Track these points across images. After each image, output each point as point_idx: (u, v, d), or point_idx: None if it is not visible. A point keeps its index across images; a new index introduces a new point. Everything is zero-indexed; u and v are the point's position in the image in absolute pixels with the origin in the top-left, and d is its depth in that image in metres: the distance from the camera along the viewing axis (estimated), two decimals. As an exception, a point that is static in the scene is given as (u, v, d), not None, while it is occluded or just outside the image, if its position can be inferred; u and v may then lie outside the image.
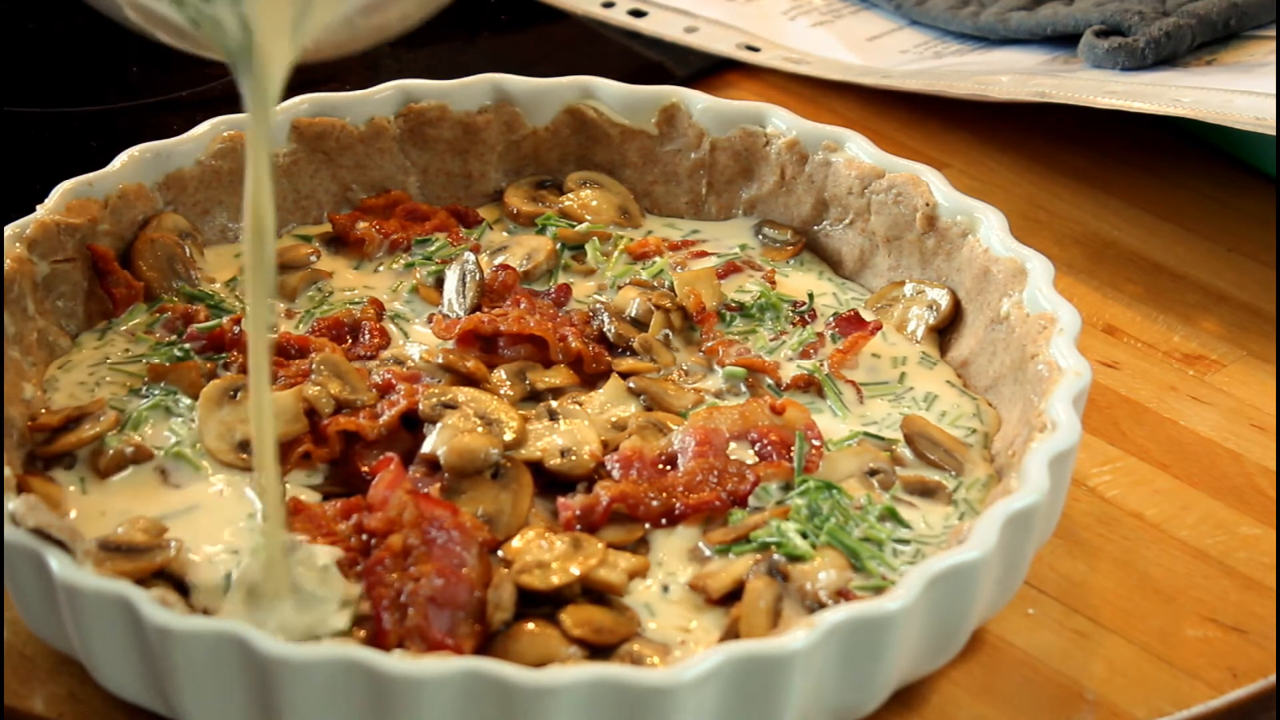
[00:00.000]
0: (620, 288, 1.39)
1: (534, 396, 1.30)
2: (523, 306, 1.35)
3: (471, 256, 1.38)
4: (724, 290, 1.39)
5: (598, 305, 1.37)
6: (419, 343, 1.34)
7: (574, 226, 1.44)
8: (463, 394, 1.26)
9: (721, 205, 1.49)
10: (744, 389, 1.31)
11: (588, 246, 1.43)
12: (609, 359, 1.33)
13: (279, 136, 1.44)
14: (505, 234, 1.46)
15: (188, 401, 1.27)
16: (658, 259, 1.42)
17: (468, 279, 1.37)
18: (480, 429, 1.23)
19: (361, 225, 1.43)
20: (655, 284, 1.39)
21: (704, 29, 1.83)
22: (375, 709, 1.04)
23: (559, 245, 1.43)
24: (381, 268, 1.42)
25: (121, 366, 1.30)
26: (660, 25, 1.84)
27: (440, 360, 1.30)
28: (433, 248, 1.42)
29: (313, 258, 1.42)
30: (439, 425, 1.24)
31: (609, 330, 1.34)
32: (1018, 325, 1.29)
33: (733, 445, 1.24)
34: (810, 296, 1.39)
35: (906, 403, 1.31)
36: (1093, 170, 1.68)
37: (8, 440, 1.20)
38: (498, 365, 1.31)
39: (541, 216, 1.45)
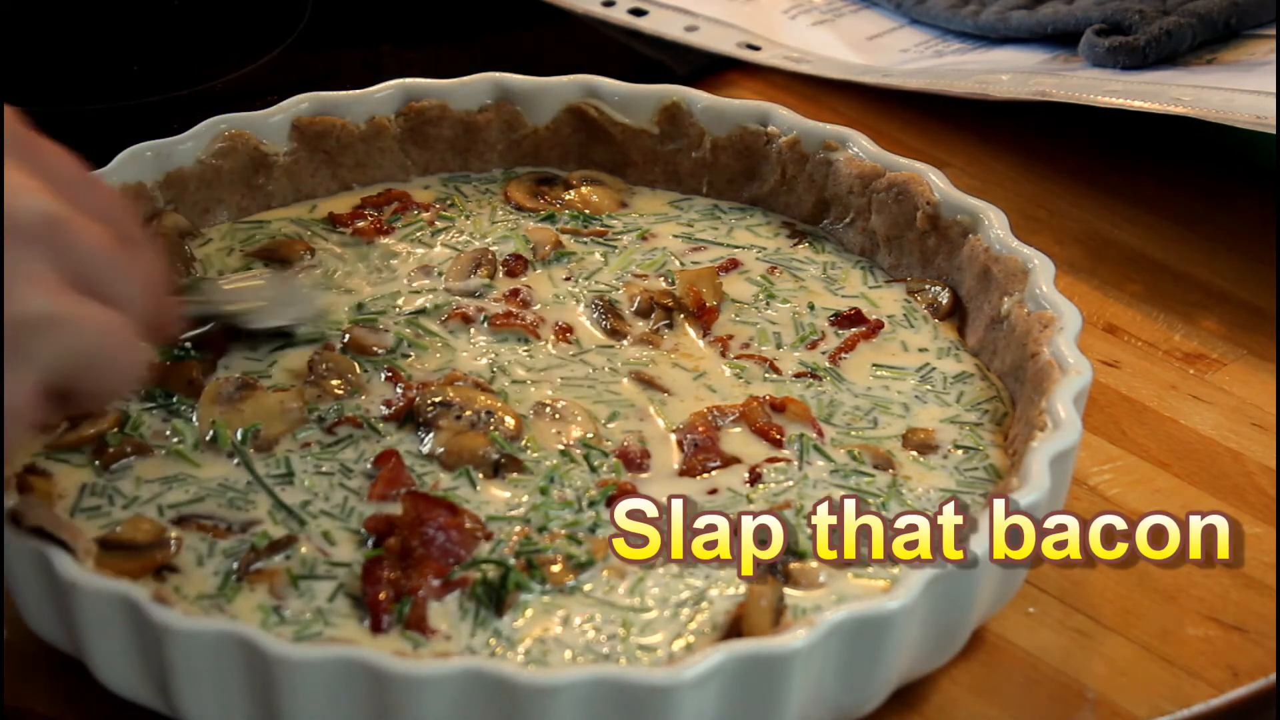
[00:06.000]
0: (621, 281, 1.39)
1: (534, 395, 1.30)
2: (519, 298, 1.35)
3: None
4: (725, 286, 1.39)
5: (597, 300, 1.37)
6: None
7: (581, 215, 1.44)
8: (462, 393, 1.26)
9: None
10: (745, 384, 1.31)
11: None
12: (609, 357, 1.33)
13: (279, 135, 1.43)
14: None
15: (189, 401, 1.27)
16: (659, 253, 1.42)
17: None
18: (479, 428, 1.24)
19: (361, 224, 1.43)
20: (656, 278, 1.39)
21: (704, 28, 1.83)
22: (376, 708, 1.04)
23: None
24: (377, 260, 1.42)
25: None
26: (660, 24, 1.84)
27: (441, 359, 1.30)
28: (409, 226, 1.42)
29: (306, 255, 1.41)
30: (438, 424, 1.24)
31: (608, 325, 1.34)
32: (1018, 324, 1.29)
33: (734, 440, 1.25)
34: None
35: (912, 393, 1.30)
36: (1093, 169, 1.68)
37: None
38: (498, 364, 1.31)
39: (545, 212, 1.46)
